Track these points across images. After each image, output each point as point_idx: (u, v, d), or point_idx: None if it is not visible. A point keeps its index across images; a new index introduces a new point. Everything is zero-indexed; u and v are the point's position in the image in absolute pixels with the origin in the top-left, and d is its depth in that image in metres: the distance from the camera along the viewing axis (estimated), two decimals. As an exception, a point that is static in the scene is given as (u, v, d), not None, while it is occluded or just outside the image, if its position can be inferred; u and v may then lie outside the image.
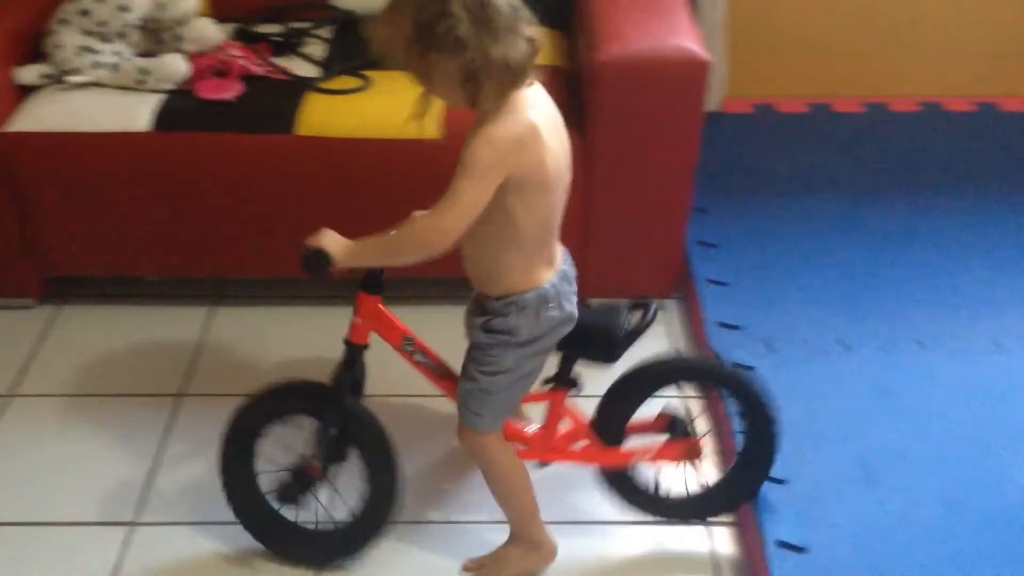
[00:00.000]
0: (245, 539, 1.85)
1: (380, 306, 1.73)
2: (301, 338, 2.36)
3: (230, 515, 1.84)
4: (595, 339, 1.73)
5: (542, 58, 2.40)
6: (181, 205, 2.27)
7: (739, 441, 1.90)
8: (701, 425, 1.94)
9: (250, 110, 2.23)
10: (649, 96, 2.12)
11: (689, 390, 2.09)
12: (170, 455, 2.06)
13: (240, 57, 2.32)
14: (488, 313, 1.63)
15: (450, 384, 1.78)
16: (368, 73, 2.33)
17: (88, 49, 2.24)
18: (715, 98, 3.00)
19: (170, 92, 2.26)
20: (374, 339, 1.73)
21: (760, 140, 3.00)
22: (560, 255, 1.67)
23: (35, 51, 2.30)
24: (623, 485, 1.90)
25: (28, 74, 2.25)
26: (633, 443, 1.85)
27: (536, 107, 1.50)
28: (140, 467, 2.02)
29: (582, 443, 1.85)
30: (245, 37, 2.47)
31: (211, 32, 2.36)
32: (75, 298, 2.46)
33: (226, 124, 2.21)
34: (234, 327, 2.39)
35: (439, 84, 1.47)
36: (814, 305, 2.36)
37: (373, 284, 1.71)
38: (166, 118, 2.21)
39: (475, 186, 1.47)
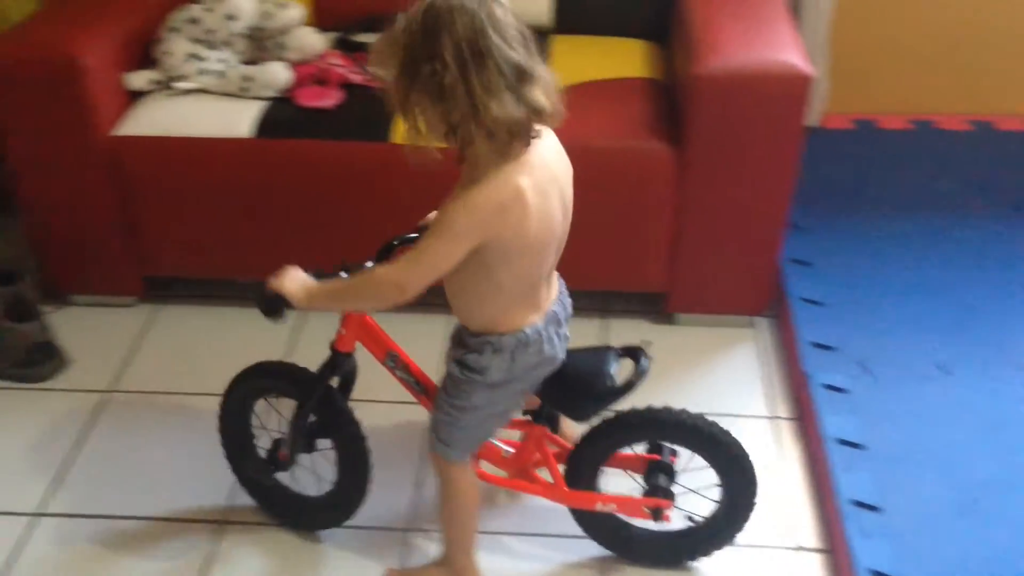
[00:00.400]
0: (327, 541, 1.87)
1: (368, 319, 1.73)
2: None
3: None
4: (566, 395, 1.66)
5: (637, 70, 2.40)
6: (277, 210, 2.32)
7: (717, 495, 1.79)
8: (679, 480, 1.81)
9: (347, 118, 2.27)
10: (749, 111, 2.08)
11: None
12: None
13: (340, 66, 2.36)
14: (463, 347, 1.58)
15: (431, 402, 1.76)
16: (464, 83, 2.35)
17: (196, 56, 2.30)
18: (814, 113, 2.94)
19: (272, 99, 2.30)
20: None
21: (860, 156, 2.93)
22: (552, 294, 1.60)
23: (145, 57, 2.38)
24: (590, 522, 1.84)
25: (138, 80, 2.32)
26: (604, 485, 1.80)
27: (536, 166, 1.40)
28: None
29: (551, 478, 1.81)
30: (345, 46, 2.51)
31: (313, 41, 2.40)
32: (173, 298, 2.53)
33: (324, 131, 2.24)
34: (323, 331, 2.41)
35: (421, 124, 1.38)
36: (912, 327, 2.29)
37: None
38: (267, 125, 2.25)
39: (444, 248, 1.40)
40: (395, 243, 1.73)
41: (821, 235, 2.57)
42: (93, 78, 2.18)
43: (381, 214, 2.30)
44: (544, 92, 1.37)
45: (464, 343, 1.58)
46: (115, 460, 2.08)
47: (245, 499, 1.98)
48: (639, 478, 1.79)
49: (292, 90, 2.31)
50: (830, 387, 2.12)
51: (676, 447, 1.79)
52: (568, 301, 1.66)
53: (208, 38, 2.32)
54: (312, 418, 1.77)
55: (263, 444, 1.90)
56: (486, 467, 1.83)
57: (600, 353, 1.67)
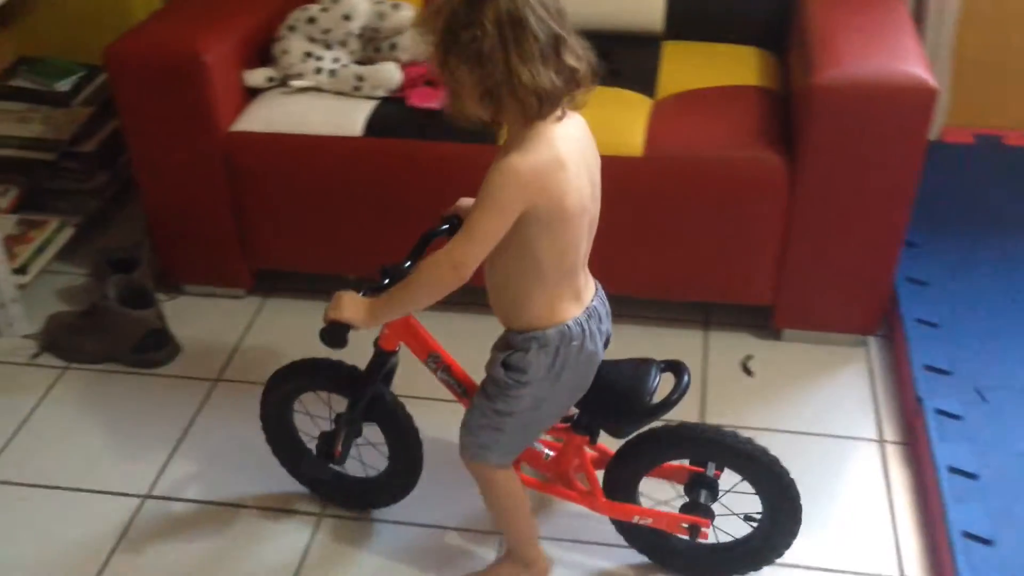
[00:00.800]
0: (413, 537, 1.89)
1: (411, 319, 1.72)
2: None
3: (420, 512, 1.91)
4: (606, 410, 1.64)
5: (750, 78, 2.35)
6: (385, 208, 2.34)
7: (758, 513, 1.75)
8: (721, 499, 1.76)
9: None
10: (868, 124, 2.02)
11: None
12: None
13: (450, 67, 2.38)
14: (510, 347, 1.56)
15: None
16: (574, 88, 2.34)
17: (311, 55, 2.35)
18: (934, 126, 2.84)
19: (383, 99, 2.33)
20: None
21: (980, 172, 2.81)
22: (590, 290, 1.60)
23: (263, 55, 2.43)
24: (630, 531, 1.83)
25: (255, 77, 2.37)
26: (644, 488, 1.79)
27: (567, 139, 1.44)
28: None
29: (588, 487, 1.79)
30: (456, 48, 2.52)
31: (425, 42, 2.42)
32: (280, 291, 2.58)
33: (433, 132, 2.26)
34: (430, 327, 2.44)
35: (459, 93, 1.41)
36: (1033, 353, 2.19)
37: None
38: (376, 124, 2.28)
39: (492, 219, 1.41)
40: (428, 238, 1.73)
41: (938, 254, 2.48)
42: (214, 75, 2.24)
43: (486, 216, 2.31)
44: (576, 57, 1.39)
45: (509, 343, 1.57)
46: (221, 447, 2.13)
47: (343, 494, 2.01)
48: (680, 488, 1.77)
49: (403, 90, 2.34)
50: (943, 413, 2.04)
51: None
52: (607, 300, 1.65)
53: (324, 37, 2.36)
54: (358, 414, 1.78)
55: (306, 430, 1.94)
56: (525, 470, 1.83)
57: (641, 367, 1.64)
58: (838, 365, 2.31)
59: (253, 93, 2.40)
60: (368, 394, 1.75)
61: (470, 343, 1.83)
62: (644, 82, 2.41)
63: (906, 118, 2.00)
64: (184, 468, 2.08)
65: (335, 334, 1.58)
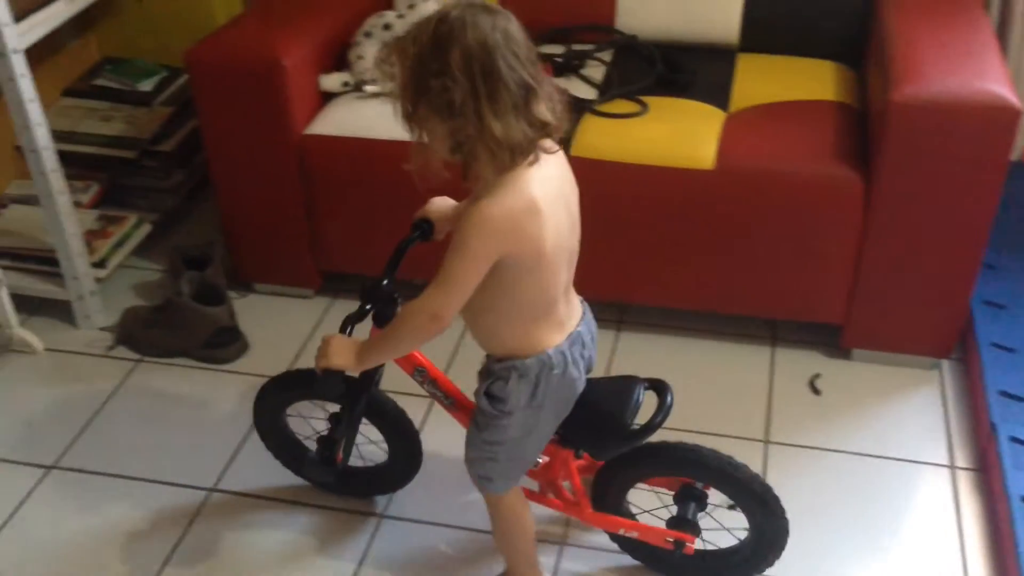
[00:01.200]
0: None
1: None
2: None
3: (454, 516, 1.94)
4: (589, 431, 1.62)
5: (826, 92, 2.31)
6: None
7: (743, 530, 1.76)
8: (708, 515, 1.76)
9: (527, 128, 2.28)
10: (948, 143, 1.97)
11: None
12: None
13: (523, 76, 2.38)
14: (490, 375, 1.54)
15: (463, 416, 1.73)
16: (646, 99, 2.33)
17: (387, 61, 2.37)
18: (1016, 147, 2.76)
19: (455, 106, 2.35)
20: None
21: (1064, 194, 2.73)
22: (575, 316, 1.56)
23: (339, 60, 2.47)
24: (622, 537, 1.84)
25: (331, 81, 2.41)
26: (632, 507, 1.81)
27: (543, 181, 1.38)
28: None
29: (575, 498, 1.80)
30: (529, 56, 2.53)
31: (498, 50, 2.43)
32: (346, 293, 2.61)
33: (504, 140, 2.27)
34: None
35: (428, 143, 1.38)
36: (1116, 383, 2.11)
37: (381, 320, 1.67)
38: (448, 130, 2.29)
39: (466, 268, 1.38)
40: (402, 248, 1.71)
41: (1016, 277, 2.41)
42: (291, 79, 2.28)
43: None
44: (549, 107, 1.35)
45: (490, 371, 1.55)
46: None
47: (399, 498, 2.03)
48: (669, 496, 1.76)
49: (475, 98, 2.35)
50: (1017, 440, 1.98)
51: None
52: (594, 324, 1.62)
53: (399, 44, 2.39)
54: (352, 420, 1.76)
55: (300, 432, 1.98)
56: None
57: (624, 387, 1.61)
58: (909, 388, 2.26)
59: (327, 97, 2.44)
60: (364, 402, 1.74)
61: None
62: (717, 94, 2.39)
63: (987, 138, 1.95)
64: (250, 462, 2.12)
65: (329, 385, 1.58)
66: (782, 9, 2.53)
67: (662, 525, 1.75)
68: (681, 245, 2.27)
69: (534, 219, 1.37)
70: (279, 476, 2.07)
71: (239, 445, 2.17)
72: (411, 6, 2.39)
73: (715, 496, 1.74)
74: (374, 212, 2.40)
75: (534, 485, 1.82)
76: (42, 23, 2.26)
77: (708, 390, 2.28)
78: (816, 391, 2.26)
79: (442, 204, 1.71)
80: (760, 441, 2.14)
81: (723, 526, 1.78)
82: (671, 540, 1.73)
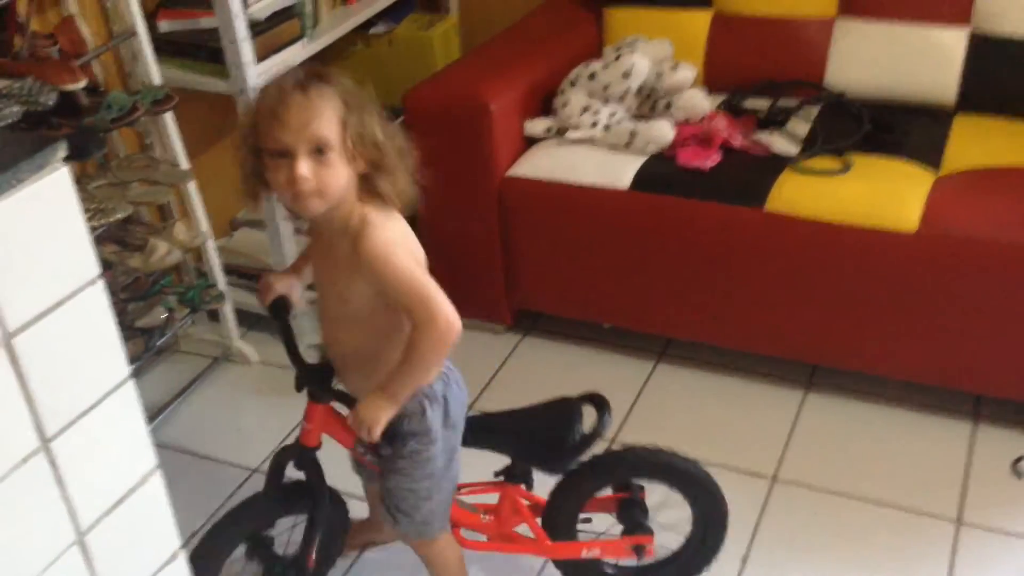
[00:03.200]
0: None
1: (330, 411, 1.67)
2: (730, 409, 2.36)
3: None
4: (541, 449, 1.69)
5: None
6: (646, 262, 2.39)
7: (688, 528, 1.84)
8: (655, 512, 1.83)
9: (724, 180, 2.29)
10: None
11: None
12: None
13: (723, 129, 2.39)
14: (401, 418, 1.55)
15: None
16: (850, 156, 2.28)
17: (589, 109, 2.45)
18: None
19: (653, 155, 2.39)
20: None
21: None
22: None
23: (543, 106, 2.56)
24: (574, 571, 1.87)
25: (535, 126, 2.51)
26: (585, 533, 1.83)
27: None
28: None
29: (532, 535, 1.81)
30: (731, 109, 2.53)
31: (700, 102, 2.46)
32: (538, 331, 2.68)
33: (698, 191, 2.28)
34: (672, 385, 2.46)
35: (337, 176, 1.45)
36: None
37: (321, 398, 1.64)
38: (643, 179, 2.33)
39: (417, 272, 1.48)
40: (287, 334, 1.68)
41: None
42: (497, 123, 2.39)
43: (746, 279, 2.30)
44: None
45: (399, 416, 1.56)
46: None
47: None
48: (613, 519, 1.82)
49: (673, 148, 2.38)
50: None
51: (643, 483, 1.82)
52: None
53: (603, 93, 2.46)
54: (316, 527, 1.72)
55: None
56: (467, 534, 1.82)
57: (564, 405, 1.71)
58: None
59: (531, 141, 2.53)
60: (326, 499, 1.72)
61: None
62: (928, 155, 2.31)
63: None
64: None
65: (382, 447, 1.60)
66: (1004, 69, 2.41)
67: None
68: (879, 309, 2.20)
69: (411, 233, 1.54)
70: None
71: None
72: (617, 57, 2.46)
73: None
74: (569, 254, 2.47)
75: (475, 537, 1.84)
76: (280, 64, 2.48)
77: (900, 461, 2.18)
78: (1020, 475, 2.12)
79: (281, 276, 1.74)
80: (951, 521, 2.03)
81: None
82: (631, 547, 1.80)
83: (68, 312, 0.94)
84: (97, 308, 0.98)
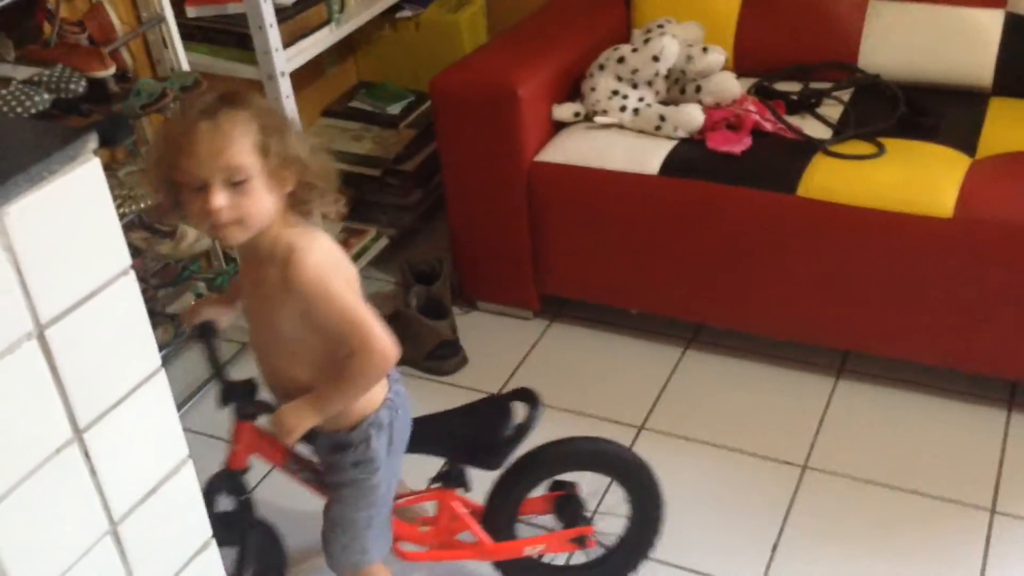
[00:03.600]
0: None
1: (257, 429, 1.63)
2: (761, 396, 2.34)
3: (662, 547, 1.91)
4: (477, 446, 1.69)
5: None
6: (675, 248, 2.37)
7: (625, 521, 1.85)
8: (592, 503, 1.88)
9: (754, 165, 2.26)
10: None
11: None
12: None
13: (754, 112, 2.36)
14: (347, 446, 1.54)
15: None
16: (884, 140, 2.24)
17: (618, 93, 2.42)
18: None
19: (682, 140, 2.36)
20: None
21: None
22: None
23: (572, 91, 2.54)
24: (515, 572, 1.86)
25: (563, 111, 2.49)
26: (525, 531, 1.84)
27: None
28: (594, 487, 2.14)
29: (474, 539, 1.79)
30: (762, 93, 2.50)
31: (731, 86, 2.42)
32: (565, 317, 2.67)
33: (729, 176, 2.26)
34: (701, 372, 2.44)
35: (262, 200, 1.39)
36: None
37: (247, 413, 1.61)
38: (673, 164, 2.31)
39: (351, 301, 1.43)
40: (213, 355, 1.66)
41: None
42: (525, 108, 2.38)
43: (776, 265, 2.27)
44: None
45: (344, 443, 1.55)
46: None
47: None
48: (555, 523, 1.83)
49: (703, 132, 2.35)
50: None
51: (575, 479, 1.83)
52: None
53: (632, 77, 2.43)
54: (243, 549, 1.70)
55: None
56: (407, 547, 1.81)
57: (495, 403, 1.74)
58: None
59: (559, 126, 2.51)
60: (257, 529, 1.70)
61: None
62: (964, 139, 2.27)
63: None
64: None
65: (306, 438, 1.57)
66: (1043, 51, 2.37)
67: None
68: (912, 295, 2.17)
69: (331, 242, 1.48)
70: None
71: (450, 454, 2.27)
72: (646, 41, 2.43)
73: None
74: (597, 240, 2.45)
75: (416, 548, 1.82)
76: (307, 49, 2.48)
77: (933, 449, 2.16)
78: (1055, 463, 2.09)
79: (211, 301, 1.72)
80: (986, 510, 2.01)
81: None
82: (573, 540, 1.81)
83: (100, 303, 0.94)
84: (129, 299, 0.98)
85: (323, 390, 1.48)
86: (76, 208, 0.91)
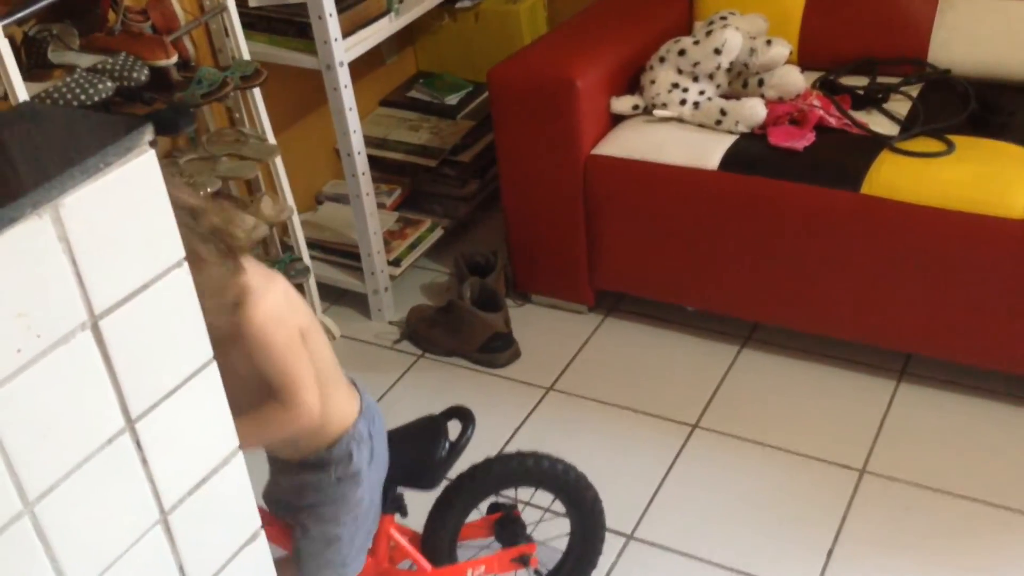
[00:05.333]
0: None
1: None
2: (818, 397, 2.29)
3: (714, 550, 1.85)
4: (412, 467, 1.66)
5: None
6: (731, 244, 2.33)
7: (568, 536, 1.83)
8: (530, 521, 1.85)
9: (818, 161, 2.21)
10: None
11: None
12: (672, 480, 2.13)
13: (818, 107, 2.31)
14: (327, 465, 1.51)
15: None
16: (953, 138, 2.18)
17: (678, 86, 2.39)
18: None
19: (743, 134, 2.32)
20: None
21: None
22: None
23: (631, 84, 2.51)
24: None
25: (622, 104, 2.46)
26: (466, 553, 1.79)
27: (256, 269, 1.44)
28: (645, 486, 2.12)
29: (414, 566, 1.74)
30: (827, 87, 2.44)
31: (795, 80, 2.37)
32: (620, 312, 2.65)
33: (791, 173, 2.21)
34: (757, 371, 2.40)
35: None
36: None
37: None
38: (733, 159, 2.27)
39: (293, 359, 1.42)
40: None
41: None
42: (583, 100, 2.35)
43: (838, 264, 2.22)
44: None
45: (326, 462, 1.52)
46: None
47: (651, 518, 2.02)
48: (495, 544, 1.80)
49: (765, 127, 2.31)
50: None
51: (513, 500, 1.81)
52: None
53: (693, 70, 2.39)
54: None
55: None
56: None
57: (429, 423, 1.71)
58: None
59: (617, 119, 2.48)
60: None
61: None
62: (1037, 137, 2.19)
63: None
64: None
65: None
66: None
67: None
68: (980, 298, 2.11)
69: (284, 292, 1.46)
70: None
71: (501, 447, 2.26)
72: (708, 33, 2.39)
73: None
74: (654, 235, 2.42)
75: None
76: (366, 39, 2.48)
77: (997, 456, 2.10)
78: None
79: None
80: (1049, 520, 1.94)
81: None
82: (516, 559, 1.78)
83: (154, 295, 0.94)
84: (182, 291, 0.98)
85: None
86: (131, 200, 0.91)
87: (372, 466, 1.58)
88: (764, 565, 1.92)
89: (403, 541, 1.74)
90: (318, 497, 1.55)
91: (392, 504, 1.71)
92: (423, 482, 1.70)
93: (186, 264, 0.98)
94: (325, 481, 1.54)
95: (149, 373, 0.96)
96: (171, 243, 0.96)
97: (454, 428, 1.71)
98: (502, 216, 2.66)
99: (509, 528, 1.80)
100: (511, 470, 1.76)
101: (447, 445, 1.67)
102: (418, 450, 1.68)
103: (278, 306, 1.44)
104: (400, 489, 1.71)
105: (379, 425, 1.61)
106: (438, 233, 2.86)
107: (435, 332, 2.58)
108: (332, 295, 2.77)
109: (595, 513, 1.81)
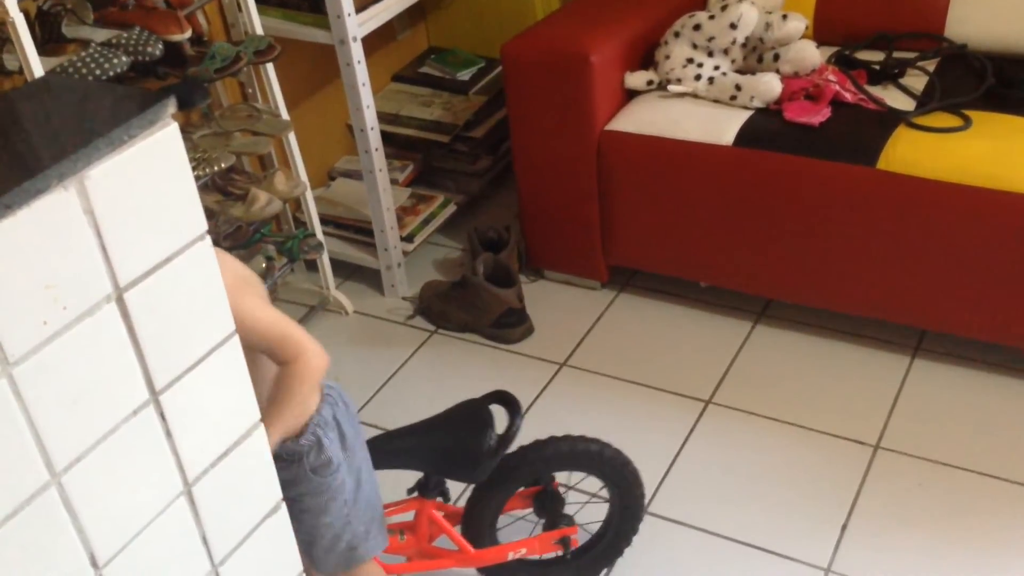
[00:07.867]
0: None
1: None
2: (832, 373, 2.29)
3: (728, 525, 1.86)
4: (457, 459, 1.64)
5: None
6: (747, 220, 2.32)
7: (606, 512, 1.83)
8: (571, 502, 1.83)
9: (833, 137, 2.20)
10: None
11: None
12: (685, 456, 2.13)
13: (834, 82, 2.29)
14: (300, 457, 1.47)
15: None
16: (970, 113, 2.16)
17: (693, 61, 2.37)
18: None
19: (759, 110, 2.30)
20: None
21: None
22: None
23: (645, 59, 2.50)
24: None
25: (636, 79, 2.44)
26: (506, 534, 1.80)
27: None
28: (659, 461, 2.13)
29: (454, 547, 1.75)
30: (843, 62, 2.42)
31: (811, 55, 2.35)
32: (633, 288, 2.65)
33: (806, 148, 2.20)
34: (771, 347, 2.40)
35: None
36: None
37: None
38: (748, 134, 2.26)
39: (269, 314, 1.39)
40: None
41: None
42: (597, 75, 2.34)
43: (853, 240, 2.21)
44: None
45: (297, 455, 1.47)
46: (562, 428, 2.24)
47: (663, 494, 2.03)
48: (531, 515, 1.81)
49: (780, 102, 2.29)
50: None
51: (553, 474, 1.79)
52: None
53: (708, 45, 2.38)
54: None
55: None
56: (385, 558, 1.70)
57: (473, 412, 1.66)
58: None
59: (631, 94, 2.47)
60: None
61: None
62: (1055, 112, 2.18)
63: None
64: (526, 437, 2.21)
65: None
66: None
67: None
68: (996, 274, 2.10)
69: (233, 267, 1.43)
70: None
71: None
72: (724, 7, 2.37)
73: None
74: (668, 211, 2.41)
75: (394, 560, 1.76)
76: (379, 14, 2.46)
77: (1012, 432, 2.10)
78: None
79: None
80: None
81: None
82: (557, 541, 1.78)
83: (177, 267, 0.95)
84: (205, 263, 0.98)
85: (269, 416, 1.36)
86: (155, 172, 0.91)
87: (346, 450, 1.54)
88: (778, 540, 1.93)
89: (445, 523, 1.75)
90: (298, 490, 1.52)
91: (434, 490, 1.71)
92: (470, 474, 1.69)
93: (208, 237, 0.98)
94: (301, 474, 1.50)
95: (173, 346, 0.97)
96: (194, 216, 0.96)
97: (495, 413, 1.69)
98: (515, 192, 2.66)
99: (549, 503, 1.79)
100: (554, 455, 1.73)
101: (494, 436, 1.63)
102: (462, 440, 1.64)
103: (234, 271, 1.42)
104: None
105: (344, 412, 1.55)
106: (451, 209, 2.86)
107: (449, 308, 2.58)
108: (345, 271, 2.78)
109: (637, 492, 1.79)
